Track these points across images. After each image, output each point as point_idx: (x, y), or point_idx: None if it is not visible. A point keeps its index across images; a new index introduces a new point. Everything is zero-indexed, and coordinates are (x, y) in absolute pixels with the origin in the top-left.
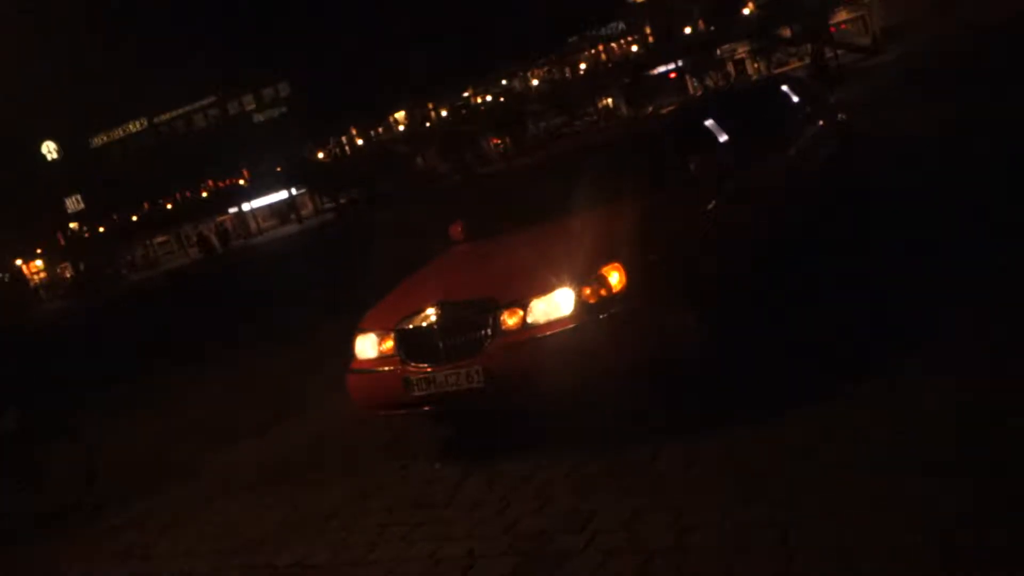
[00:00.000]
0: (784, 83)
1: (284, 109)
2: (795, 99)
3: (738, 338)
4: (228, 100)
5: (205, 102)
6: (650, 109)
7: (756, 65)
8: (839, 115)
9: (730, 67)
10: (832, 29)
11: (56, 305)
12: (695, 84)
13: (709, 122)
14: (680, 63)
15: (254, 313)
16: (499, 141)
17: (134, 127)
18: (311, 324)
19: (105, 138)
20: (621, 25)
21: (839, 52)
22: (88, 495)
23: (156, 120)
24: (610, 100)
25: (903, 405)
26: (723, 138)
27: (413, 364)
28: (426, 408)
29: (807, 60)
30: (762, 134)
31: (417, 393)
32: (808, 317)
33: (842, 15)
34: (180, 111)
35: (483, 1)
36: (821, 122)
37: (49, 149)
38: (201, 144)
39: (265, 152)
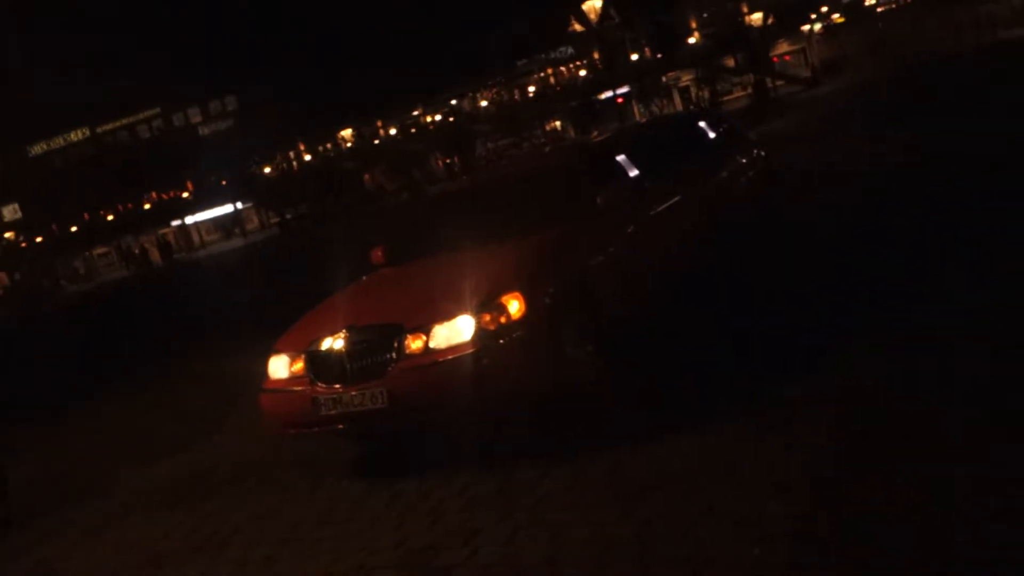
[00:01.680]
0: (702, 118)
1: (231, 123)
2: (711, 134)
3: (633, 367)
4: (173, 112)
5: (149, 113)
6: (595, 133)
7: (701, 93)
8: (759, 151)
9: (675, 94)
10: (775, 60)
11: None
12: (641, 110)
13: (621, 156)
14: (627, 89)
15: (183, 330)
16: (447, 160)
17: (75, 136)
18: (236, 343)
19: (45, 146)
20: (570, 50)
21: (778, 83)
22: None
23: (99, 130)
24: (558, 123)
25: (775, 433)
26: (633, 172)
27: (322, 384)
28: (334, 427)
29: (750, 89)
30: (674, 169)
31: (325, 413)
32: (703, 349)
33: (783, 47)
34: (124, 121)
35: (435, 22)
36: (739, 157)
37: None
38: (145, 156)
39: (210, 165)
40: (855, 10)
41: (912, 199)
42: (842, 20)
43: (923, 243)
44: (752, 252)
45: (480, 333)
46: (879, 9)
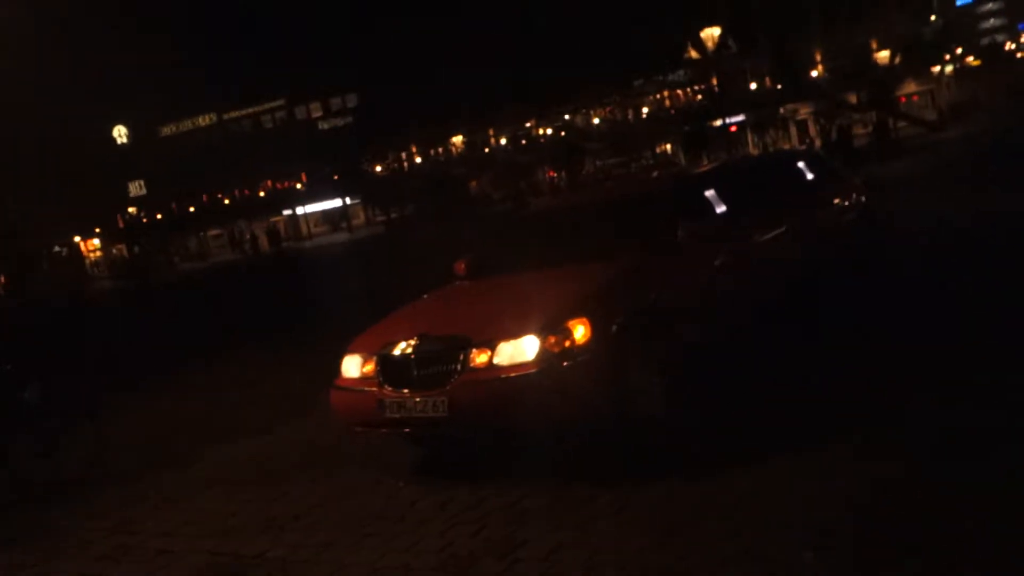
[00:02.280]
0: (801, 158)
1: (349, 119)
2: (809, 176)
3: (702, 402)
4: (296, 104)
5: (274, 104)
6: (704, 162)
7: (827, 128)
8: (859, 194)
9: (792, 127)
10: (901, 99)
11: (105, 285)
12: (755, 140)
13: (710, 192)
14: (742, 118)
15: (280, 316)
16: (555, 174)
17: (203, 121)
18: (327, 334)
19: (174, 128)
20: (687, 73)
21: (901, 124)
22: (93, 471)
23: (225, 117)
24: (669, 147)
25: (829, 480)
26: (720, 208)
27: (389, 388)
28: (398, 429)
29: (870, 127)
30: (764, 208)
31: (389, 415)
32: (775, 388)
33: (910, 87)
34: (249, 111)
35: (554, 35)
36: (836, 200)
37: (120, 133)
38: (265, 145)
39: (325, 159)
40: (992, 53)
41: (1015, 261)
42: (977, 63)
43: (1008, 309)
44: (838, 295)
45: (543, 354)
46: (1019, 55)
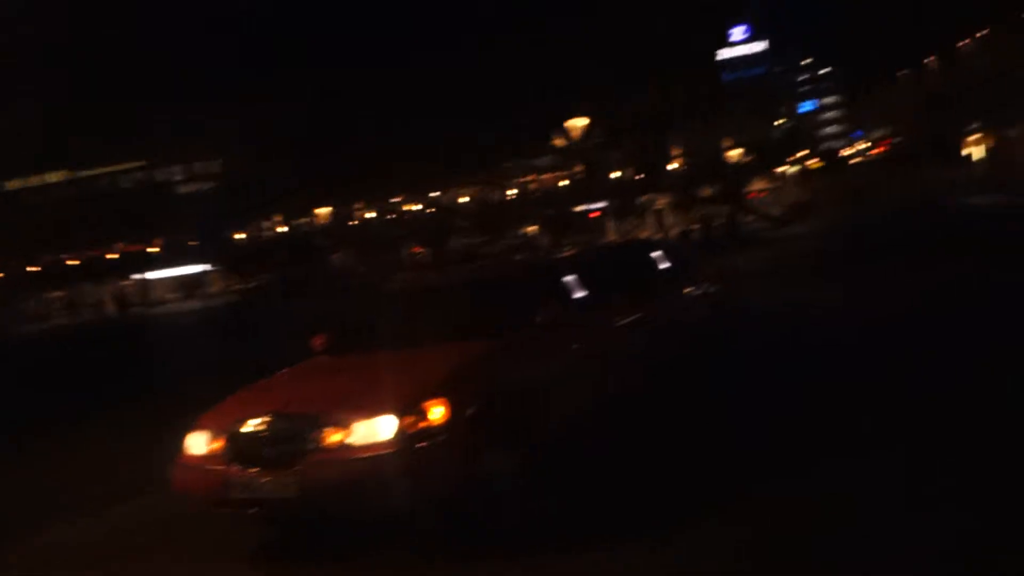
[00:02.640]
0: (657, 247)
1: (211, 185)
2: (665, 264)
3: (554, 485)
4: (157, 167)
5: (132, 165)
6: (568, 244)
7: (675, 217)
8: (712, 283)
9: (650, 216)
10: (751, 195)
11: None
12: (615, 226)
13: (570, 277)
14: (604, 204)
15: (124, 386)
16: (421, 250)
17: (54, 177)
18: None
19: (22, 183)
20: (552, 159)
21: (750, 218)
22: None
23: (79, 175)
24: (534, 229)
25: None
26: (580, 294)
27: (236, 467)
28: (243, 510)
29: (722, 219)
30: (622, 296)
31: (235, 495)
32: (622, 477)
33: (759, 184)
34: (105, 169)
35: (424, 115)
36: (690, 288)
37: None
38: (120, 206)
39: (184, 224)
40: (831, 157)
41: (842, 347)
42: (819, 165)
43: (841, 394)
44: (691, 380)
45: (400, 435)
46: (851, 161)
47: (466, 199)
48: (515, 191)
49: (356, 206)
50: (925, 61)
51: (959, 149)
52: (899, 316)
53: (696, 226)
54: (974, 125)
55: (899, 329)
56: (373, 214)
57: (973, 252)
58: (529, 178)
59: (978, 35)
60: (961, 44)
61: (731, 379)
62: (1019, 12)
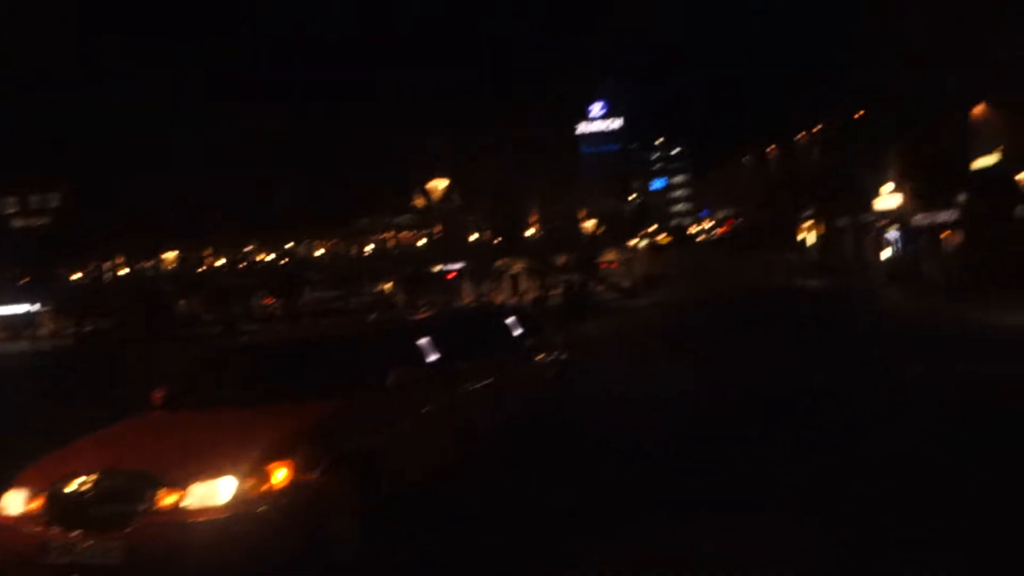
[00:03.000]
0: (511, 314)
1: (49, 220)
2: (517, 331)
3: (398, 549)
4: None
5: None
6: (423, 304)
7: (530, 282)
8: (560, 352)
9: (505, 280)
10: (603, 265)
11: None
12: (470, 288)
13: (423, 339)
14: (461, 266)
15: None
16: (272, 301)
17: None
18: None
19: None
20: (413, 216)
21: (600, 288)
22: None
23: None
24: (389, 286)
25: None
26: (432, 357)
27: (58, 528)
28: None
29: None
30: (473, 361)
31: (54, 560)
32: (466, 539)
33: (611, 255)
34: None
35: (278, 164)
36: (540, 355)
37: None
38: None
39: (14, 261)
40: (680, 233)
41: (687, 416)
42: (668, 240)
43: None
44: (535, 445)
45: (239, 498)
46: (700, 238)
47: (321, 251)
48: (371, 247)
49: (206, 252)
50: (767, 150)
51: (795, 234)
52: (733, 395)
53: (554, 292)
54: (808, 213)
55: (739, 408)
56: (223, 261)
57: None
58: (387, 235)
59: (814, 130)
60: (799, 137)
61: (570, 446)
62: (852, 113)
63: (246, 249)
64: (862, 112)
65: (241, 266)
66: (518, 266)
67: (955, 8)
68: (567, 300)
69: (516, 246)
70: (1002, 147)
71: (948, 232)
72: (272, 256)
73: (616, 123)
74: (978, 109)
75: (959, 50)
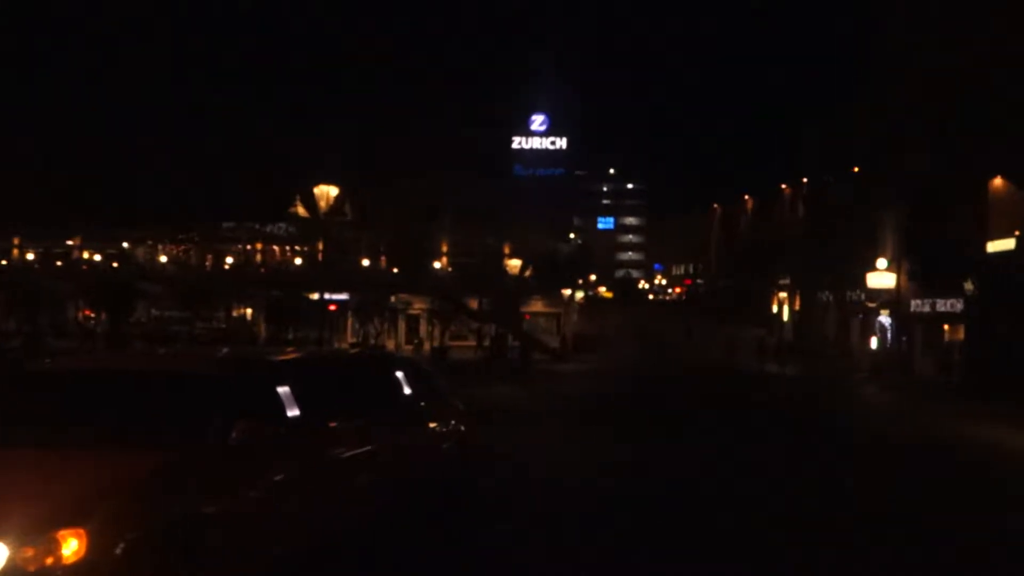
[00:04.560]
0: (403, 366)
1: None
2: (408, 390)
3: None
4: None
5: None
6: (291, 340)
7: (431, 328)
8: (459, 421)
9: (401, 320)
10: (527, 316)
11: None
12: (357, 326)
13: (284, 387)
14: (346, 297)
15: None
16: (92, 315)
17: None
18: None
19: None
20: (291, 228)
21: (522, 343)
22: None
23: None
24: (249, 311)
25: None
26: (293, 411)
27: None
28: None
29: (486, 342)
30: (347, 420)
31: None
32: None
33: (538, 305)
34: None
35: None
36: (431, 422)
37: None
38: None
39: None
40: (625, 287)
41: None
42: (609, 295)
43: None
44: (415, 531)
45: (12, 571)
46: (650, 296)
47: (165, 258)
48: (232, 260)
49: (14, 241)
50: (741, 200)
51: (767, 306)
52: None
53: (461, 342)
54: (783, 281)
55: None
56: (31, 256)
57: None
58: (255, 246)
59: (799, 184)
60: (782, 189)
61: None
62: (847, 169)
63: (68, 243)
64: (857, 169)
65: (57, 264)
66: (419, 306)
67: (973, 72)
68: (492, 354)
69: (419, 280)
70: (1018, 231)
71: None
72: (100, 257)
73: (559, 142)
74: (996, 183)
75: (977, 116)
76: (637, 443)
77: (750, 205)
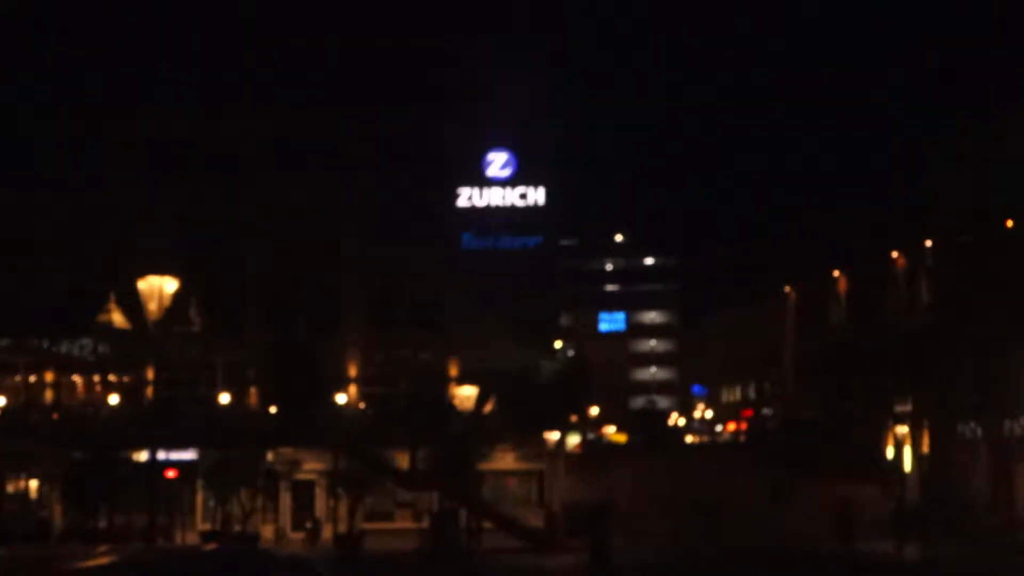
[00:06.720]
0: (284, 570)
1: None
2: None
3: None
4: None
5: None
6: (103, 532)
7: (333, 502)
8: None
9: (285, 499)
10: (489, 478)
11: None
12: (210, 503)
13: None
14: (194, 456)
15: None
16: None
17: None
18: None
19: None
20: (101, 347)
21: (485, 525)
22: None
23: None
24: (34, 484)
25: None
26: None
27: None
28: None
29: (423, 522)
30: None
31: None
32: None
33: (508, 460)
34: None
35: None
36: None
37: None
38: None
39: None
40: (648, 424)
41: None
42: (622, 439)
43: None
44: None
45: None
46: (688, 437)
47: None
48: (3, 400)
49: None
50: (835, 278)
51: (882, 448)
52: None
53: (382, 524)
54: (902, 407)
55: None
56: None
57: None
58: (44, 377)
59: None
60: (897, 259)
61: None
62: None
63: None
64: (1011, 223)
65: None
66: (314, 466)
67: None
68: (431, 545)
69: (311, 425)
70: None
71: None
72: None
73: (533, 194)
74: None
75: None
76: None
77: (842, 287)
